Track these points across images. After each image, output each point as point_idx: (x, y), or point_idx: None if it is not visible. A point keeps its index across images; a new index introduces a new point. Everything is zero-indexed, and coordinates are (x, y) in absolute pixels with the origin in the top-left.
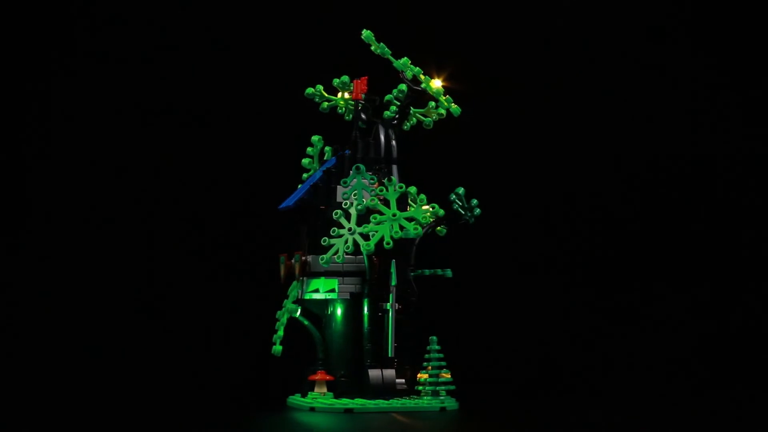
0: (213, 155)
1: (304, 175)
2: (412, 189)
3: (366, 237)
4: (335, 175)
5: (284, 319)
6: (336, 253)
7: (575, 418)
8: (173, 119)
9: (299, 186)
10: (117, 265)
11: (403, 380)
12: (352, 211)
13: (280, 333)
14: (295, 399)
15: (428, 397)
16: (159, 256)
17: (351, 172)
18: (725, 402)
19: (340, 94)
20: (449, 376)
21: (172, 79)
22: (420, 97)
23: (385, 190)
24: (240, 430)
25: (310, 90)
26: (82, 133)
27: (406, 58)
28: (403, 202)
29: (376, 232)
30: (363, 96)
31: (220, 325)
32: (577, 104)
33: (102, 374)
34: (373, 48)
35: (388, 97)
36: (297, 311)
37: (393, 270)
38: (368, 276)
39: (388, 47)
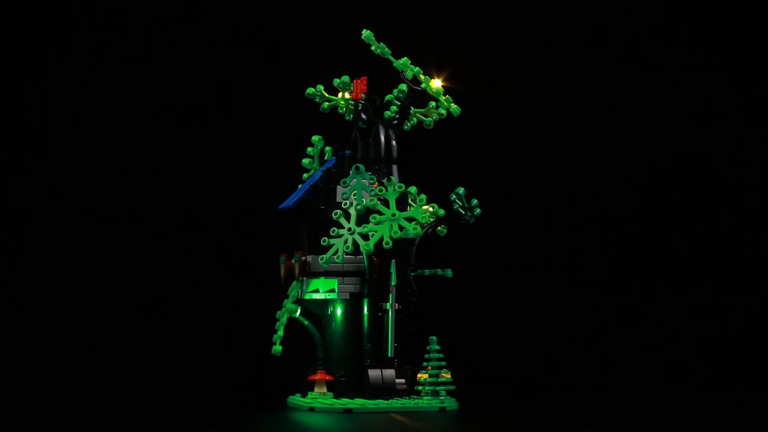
0: (213, 155)
1: (305, 175)
2: (413, 189)
3: (365, 237)
4: (335, 175)
5: (284, 319)
6: (336, 253)
7: (575, 418)
8: (173, 119)
9: (299, 186)
10: (117, 265)
11: (403, 380)
12: (352, 211)
13: (280, 333)
14: (295, 399)
15: (428, 397)
16: (159, 256)
17: (351, 172)
18: (725, 402)
19: (340, 94)
20: (449, 376)
21: (172, 79)
22: (420, 97)
23: (384, 190)
24: (240, 430)
25: (310, 90)
26: (82, 133)
27: (406, 58)
28: (403, 202)
29: (376, 232)
30: (363, 96)
31: (220, 325)
32: (577, 104)
33: (102, 374)
34: (373, 48)
35: (388, 97)
36: (297, 311)
37: (393, 270)
38: (368, 276)
39: (388, 47)
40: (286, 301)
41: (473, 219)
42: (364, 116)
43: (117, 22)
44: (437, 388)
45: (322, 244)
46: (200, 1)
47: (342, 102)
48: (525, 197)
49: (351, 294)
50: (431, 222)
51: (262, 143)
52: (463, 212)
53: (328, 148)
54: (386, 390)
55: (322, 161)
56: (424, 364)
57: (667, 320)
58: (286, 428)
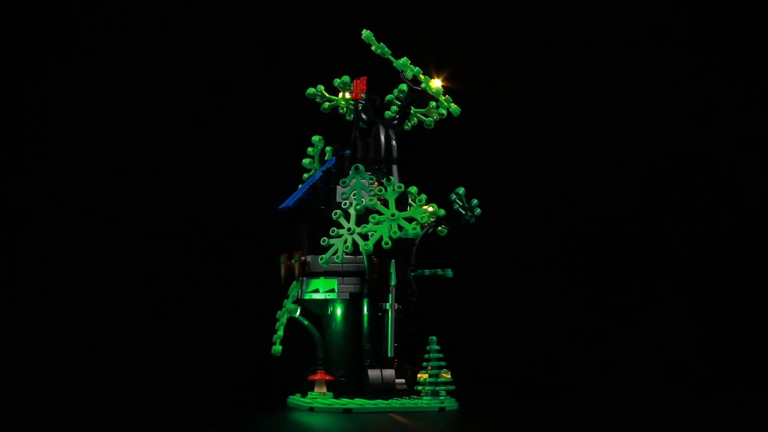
0: (213, 155)
1: (305, 175)
2: (413, 189)
3: (365, 237)
4: (335, 176)
5: (284, 319)
6: (335, 253)
7: (575, 418)
8: (173, 119)
9: (299, 186)
10: (117, 265)
11: (403, 380)
12: (352, 211)
13: (280, 333)
14: (295, 399)
15: (428, 398)
16: (159, 256)
17: (350, 172)
18: (725, 402)
19: (341, 94)
20: (449, 376)
21: (172, 79)
22: (420, 96)
23: (383, 190)
24: (240, 430)
25: (311, 90)
26: (82, 133)
27: (405, 58)
28: (402, 203)
29: (375, 232)
30: (363, 96)
31: (220, 325)
32: (577, 104)
33: (102, 374)
34: (373, 48)
35: (388, 97)
36: (297, 311)
37: (392, 270)
38: (368, 276)
39: (388, 47)
40: (286, 301)
41: (473, 219)
42: (364, 116)
43: (117, 22)
44: (437, 388)
45: (322, 244)
46: (200, 1)
47: (342, 102)
48: (525, 197)
49: (351, 294)
50: (431, 222)
51: (262, 143)
52: (464, 212)
53: (328, 149)
54: (386, 390)
55: (322, 161)
56: (424, 364)
57: (667, 320)
58: (286, 428)
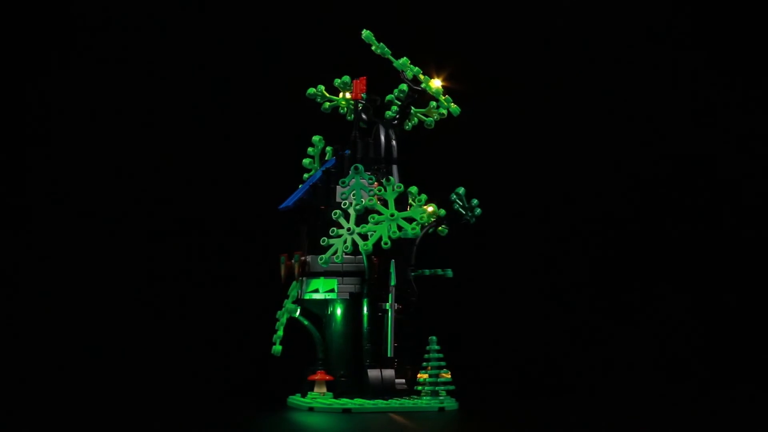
0: (213, 155)
1: (305, 175)
2: (413, 189)
3: (365, 237)
4: (335, 176)
5: (284, 319)
6: (335, 253)
7: (575, 418)
8: (173, 119)
9: (300, 186)
10: (117, 265)
11: (403, 380)
12: (351, 211)
13: (280, 333)
14: (295, 399)
15: (427, 398)
16: (159, 256)
17: (350, 172)
18: (725, 402)
19: (341, 94)
20: (449, 376)
21: (172, 79)
22: (421, 96)
23: (383, 190)
24: (240, 430)
25: (311, 90)
26: (82, 133)
27: (405, 58)
28: (402, 202)
29: (374, 232)
30: (363, 96)
31: (220, 325)
32: (577, 104)
33: (102, 374)
34: (373, 48)
35: (389, 97)
36: (296, 311)
37: (392, 270)
38: (367, 276)
39: (388, 47)
40: (286, 301)
41: (473, 219)
42: (364, 116)
43: (117, 22)
44: (437, 388)
45: (322, 244)
46: (200, 1)
47: (343, 102)
48: (525, 197)
49: (350, 294)
50: (432, 222)
51: (262, 143)
52: (464, 212)
53: (328, 149)
54: (386, 390)
55: (322, 161)
56: (424, 364)
57: (667, 320)
58: (285, 428)
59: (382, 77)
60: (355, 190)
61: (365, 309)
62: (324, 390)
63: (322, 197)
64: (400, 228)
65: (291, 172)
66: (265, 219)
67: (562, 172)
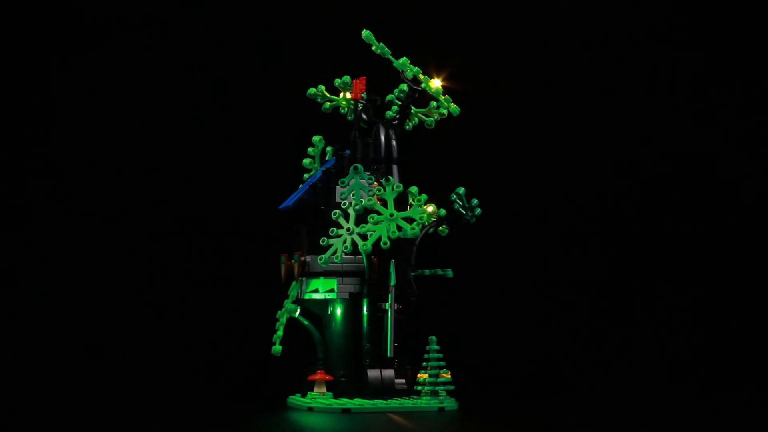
0: (213, 155)
1: (305, 176)
2: (414, 189)
3: (364, 237)
4: (334, 176)
5: (284, 319)
6: (334, 253)
7: (575, 418)
8: (173, 119)
9: (300, 186)
10: (117, 265)
11: (404, 380)
12: (351, 211)
13: (280, 333)
14: (295, 399)
15: (427, 398)
16: (159, 256)
17: (349, 172)
18: (725, 402)
19: (342, 95)
20: (449, 376)
21: (172, 79)
22: (421, 96)
23: (382, 190)
24: (240, 430)
25: (312, 90)
26: (82, 133)
27: (405, 57)
28: (402, 202)
29: (374, 232)
30: (363, 96)
31: (220, 325)
32: (577, 104)
33: (102, 374)
34: (373, 48)
35: (389, 97)
36: (296, 311)
37: (392, 270)
38: (367, 276)
39: (388, 47)
40: (286, 301)
41: (474, 219)
42: (364, 116)
43: (117, 22)
44: (436, 388)
45: (321, 244)
46: (200, 1)
47: (344, 102)
48: (525, 197)
49: (350, 294)
50: (432, 222)
51: (262, 143)
52: (464, 212)
53: (329, 149)
54: (385, 390)
55: (323, 161)
56: (424, 364)
57: (667, 320)
58: (285, 428)
59: (382, 77)
60: (355, 190)
61: (365, 309)
62: (324, 390)
63: (322, 197)
64: (399, 228)
65: (291, 172)
66: (265, 219)
67: (562, 172)
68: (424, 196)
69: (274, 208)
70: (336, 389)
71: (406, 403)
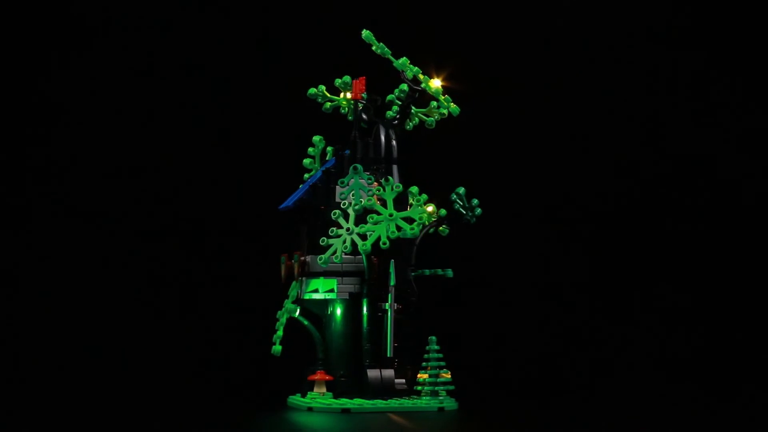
0: (213, 155)
1: (306, 176)
2: (414, 189)
3: (364, 237)
4: (334, 176)
5: (284, 319)
6: (334, 253)
7: (575, 418)
8: (173, 119)
9: (300, 186)
10: (117, 265)
11: (404, 380)
12: (351, 211)
13: (280, 333)
14: (295, 399)
15: (427, 398)
16: (159, 256)
17: (349, 172)
18: (725, 402)
19: (342, 95)
20: (449, 376)
21: (172, 79)
22: (422, 96)
23: (382, 190)
24: (240, 430)
25: (312, 90)
26: (82, 133)
27: (405, 57)
28: (402, 202)
29: (373, 232)
30: (363, 96)
31: (220, 325)
32: (577, 104)
33: (102, 374)
34: (373, 48)
35: (390, 97)
36: (296, 311)
37: (392, 270)
38: (367, 276)
39: (388, 47)
40: (286, 301)
41: (474, 219)
42: (364, 116)
43: (117, 22)
44: (436, 388)
45: (321, 244)
46: (200, 1)
47: (344, 102)
48: (525, 197)
49: (350, 294)
50: (432, 222)
51: (262, 143)
52: (464, 212)
53: (329, 149)
54: (385, 390)
55: (323, 161)
56: (423, 364)
57: (667, 320)
58: (285, 428)
59: (382, 77)
60: (354, 190)
61: (365, 309)
62: (324, 390)
63: (322, 197)
64: (398, 228)
65: (291, 172)
66: (265, 219)
67: (561, 172)
68: (424, 196)
69: (274, 208)
70: (336, 389)
71: (406, 403)
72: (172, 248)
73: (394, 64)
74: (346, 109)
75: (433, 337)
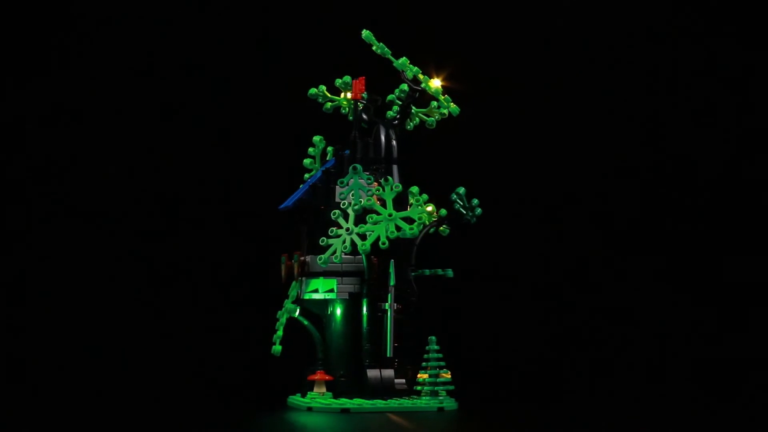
0: (213, 155)
1: (306, 176)
2: (414, 189)
3: (363, 237)
4: (334, 176)
5: (284, 319)
6: (334, 253)
7: (575, 418)
8: (174, 119)
9: (300, 186)
10: (117, 265)
11: (404, 380)
12: (350, 211)
13: (280, 333)
14: (295, 399)
15: (427, 398)
16: (159, 256)
17: (348, 172)
18: (725, 402)
19: (343, 95)
20: (449, 376)
21: (172, 79)
22: (422, 96)
23: (382, 190)
24: (240, 430)
25: (313, 90)
26: (81, 133)
27: (404, 57)
28: (402, 202)
29: (372, 232)
30: (363, 96)
31: (220, 325)
32: (577, 104)
33: (102, 374)
34: (373, 48)
35: (390, 97)
36: (296, 311)
37: (391, 270)
38: (367, 276)
39: (388, 47)
40: (286, 301)
41: (474, 219)
42: (365, 116)
43: (117, 22)
44: (436, 388)
45: (321, 244)
46: (200, 1)
47: (345, 102)
48: (525, 197)
49: (350, 294)
50: (433, 222)
51: (262, 143)
52: (464, 212)
53: (329, 149)
54: (385, 390)
55: (323, 162)
56: (423, 364)
57: (667, 320)
58: (284, 428)
59: (382, 77)
60: (354, 190)
61: (365, 309)
62: (323, 390)
63: (322, 197)
64: (398, 228)
65: (291, 172)
66: (265, 219)
67: (561, 172)
68: (424, 196)
69: (274, 208)
70: (336, 389)
71: (406, 403)
72: (172, 248)
73: (394, 64)
74: (347, 109)
75: (433, 337)
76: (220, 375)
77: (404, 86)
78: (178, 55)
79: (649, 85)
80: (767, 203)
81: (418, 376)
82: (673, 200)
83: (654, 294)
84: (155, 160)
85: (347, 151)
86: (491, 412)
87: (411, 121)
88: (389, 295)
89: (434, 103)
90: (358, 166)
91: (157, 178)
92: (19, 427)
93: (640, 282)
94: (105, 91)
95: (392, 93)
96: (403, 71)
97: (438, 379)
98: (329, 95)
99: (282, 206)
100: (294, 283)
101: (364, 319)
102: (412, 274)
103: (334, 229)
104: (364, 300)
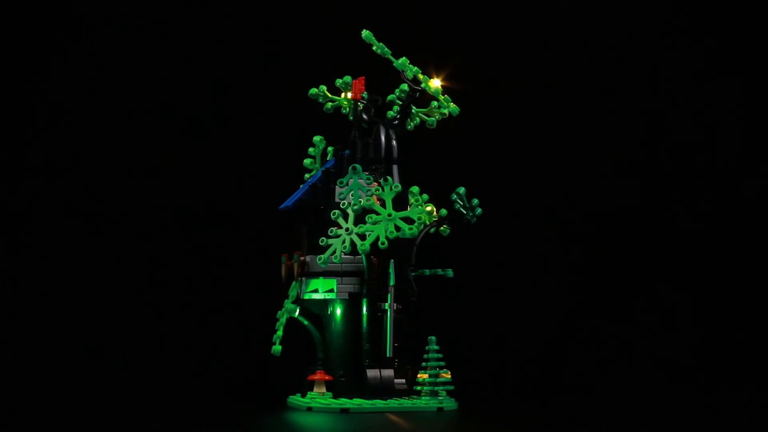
0: (213, 155)
1: (306, 176)
2: (415, 189)
3: (363, 237)
4: (334, 176)
5: (284, 319)
6: (333, 253)
7: (575, 418)
8: (174, 119)
9: (301, 186)
10: (117, 265)
11: (404, 380)
12: (350, 211)
13: (280, 333)
14: (295, 399)
15: (426, 398)
16: (159, 256)
17: (348, 172)
18: (725, 402)
19: (343, 95)
20: (449, 376)
21: (172, 79)
22: (422, 96)
23: (381, 190)
24: (240, 430)
25: (313, 90)
26: (82, 133)
27: (404, 57)
28: (402, 202)
29: (372, 232)
30: (363, 96)
31: (220, 324)
32: (577, 104)
33: (102, 374)
34: (374, 48)
35: (390, 97)
36: (296, 311)
37: (391, 270)
38: (367, 276)
39: (388, 47)
40: (286, 301)
41: (474, 219)
42: (365, 116)
43: (117, 21)
44: (436, 388)
45: (320, 244)
46: (200, 1)
47: (345, 102)
48: (525, 197)
49: (350, 294)
50: (433, 222)
51: (262, 143)
52: (464, 212)
53: (330, 149)
54: (384, 390)
55: (323, 162)
56: (423, 364)
57: (667, 320)
58: (284, 428)
59: (382, 77)
60: (354, 190)
61: (364, 309)
62: (323, 390)
63: (322, 197)
64: (397, 228)
65: (291, 172)
66: (265, 219)
67: (561, 172)
68: (425, 196)
69: (274, 208)
70: (335, 389)
71: (406, 403)
72: (172, 248)
73: (394, 64)
74: (347, 109)
75: (433, 337)
76: (220, 375)
77: (404, 86)
78: (178, 55)
79: (649, 85)
80: (766, 202)
81: (418, 376)
82: (673, 200)
83: (654, 294)
84: (155, 160)
85: (347, 151)
86: (491, 412)
87: (411, 121)
88: (389, 295)
89: (435, 103)
90: (358, 166)
91: (157, 177)
92: (19, 427)
93: (640, 282)
94: (104, 91)
95: (392, 93)
96: (403, 71)
97: (438, 379)
98: (329, 95)
99: (282, 206)
100: (294, 283)
101: (364, 319)
102: (412, 274)
103: (334, 229)
104: (364, 300)
